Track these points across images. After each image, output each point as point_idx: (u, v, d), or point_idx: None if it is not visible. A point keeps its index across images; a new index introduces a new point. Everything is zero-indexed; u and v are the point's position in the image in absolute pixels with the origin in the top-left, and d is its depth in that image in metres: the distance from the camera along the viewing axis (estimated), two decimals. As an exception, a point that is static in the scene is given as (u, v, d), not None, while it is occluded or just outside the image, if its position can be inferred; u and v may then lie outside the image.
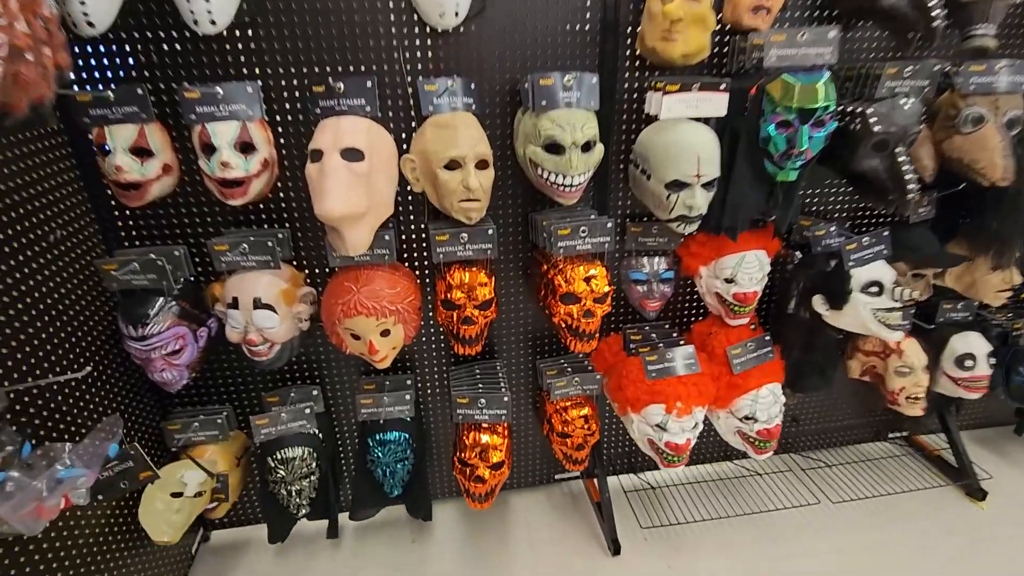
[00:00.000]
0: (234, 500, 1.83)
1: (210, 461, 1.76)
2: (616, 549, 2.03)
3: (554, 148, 1.47)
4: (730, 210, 1.63)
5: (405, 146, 1.61)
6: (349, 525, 2.17)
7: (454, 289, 1.58)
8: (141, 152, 1.43)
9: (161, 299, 1.52)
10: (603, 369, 1.96)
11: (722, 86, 1.52)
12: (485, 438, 1.77)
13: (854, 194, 2.01)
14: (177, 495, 1.65)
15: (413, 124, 1.62)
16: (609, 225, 1.58)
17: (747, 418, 1.85)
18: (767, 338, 1.92)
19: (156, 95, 1.47)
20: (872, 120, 1.55)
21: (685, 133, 1.51)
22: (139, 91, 1.38)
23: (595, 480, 2.20)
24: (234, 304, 1.53)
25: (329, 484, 1.88)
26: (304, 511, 1.85)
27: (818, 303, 1.85)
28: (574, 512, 2.24)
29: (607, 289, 1.62)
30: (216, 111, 1.40)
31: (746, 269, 1.77)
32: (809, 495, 2.19)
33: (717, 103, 1.53)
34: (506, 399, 1.73)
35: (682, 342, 1.89)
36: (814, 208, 2.02)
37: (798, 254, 1.98)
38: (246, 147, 1.44)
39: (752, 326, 1.97)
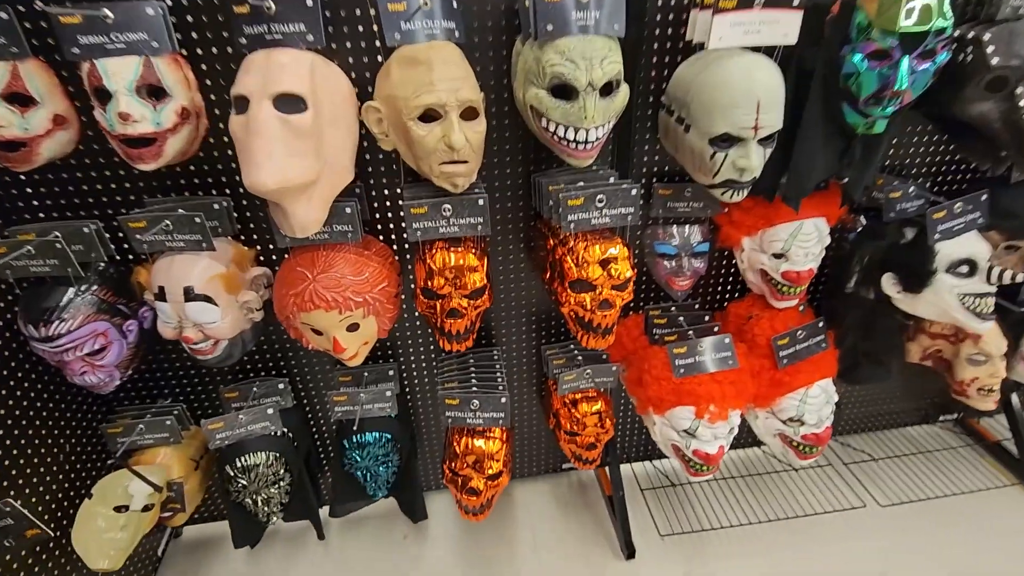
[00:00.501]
0: (194, 507, 1.60)
1: (162, 467, 1.52)
2: (630, 552, 1.81)
3: (563, 91, 1.09)
4: (795, 174, 1.26)
5: (369, 88, 1.24)
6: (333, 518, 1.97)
7: (436, 275, 1.25)
8: (19, 99, 1.08)
9: (71, 289, 1.22)
10: (620, 357, 1.65)
11: (795, 2, 1.11)
12: (480, 443, 1.50)
13: (947, 145, 1.60)
14: (122, 509, 1.42)
15: (379, 58, 1.23)
16: (633, 193, 1.22)
17: (792, 420, 1.56)
18: (820, 324, 1.59)
19: (31, 21, 1.10)
20: (989, 50, 1.18)
21: (741, 69, 1.11)
22: (2, 15, 1.03)
23: (607, 470, 1.96)
24: (161, 295, 1.23)
25: (306, 487, 1.65)
26: (275, 518, 1.64)
27: (888, 284, 1.50)
28: (583, 507, 2.01)
29: (629, 274, 1.28)
30: (107, 42, 1.04)
31: (802, 242, 1.43)
32: (853, 496, 1.93)
33: (787, 26, 1.14)
34: (504, 400, 1.44)
35: (716, 329, 1.57)
36: (887, 162, 1.63)
37: (863, 219, 1.61)
38: (154, 91, 1.08)
39: (801, 307, 1.63)
